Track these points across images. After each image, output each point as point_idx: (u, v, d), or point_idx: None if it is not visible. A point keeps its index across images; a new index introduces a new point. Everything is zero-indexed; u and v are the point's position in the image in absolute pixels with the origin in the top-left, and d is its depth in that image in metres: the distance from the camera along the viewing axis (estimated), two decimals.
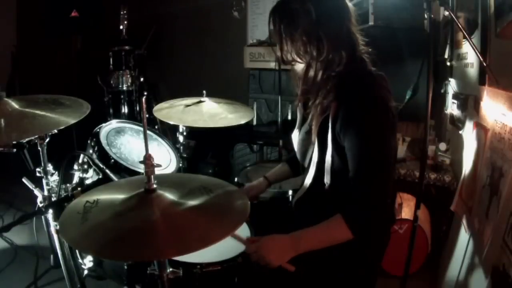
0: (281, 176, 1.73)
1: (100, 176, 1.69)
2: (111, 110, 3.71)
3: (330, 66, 1.23)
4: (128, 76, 3.66)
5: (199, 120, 1.93)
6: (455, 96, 2.36)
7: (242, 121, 1.97)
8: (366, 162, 1.17)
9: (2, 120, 1.38)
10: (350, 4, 1.28)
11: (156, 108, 2.04)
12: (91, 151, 1.81)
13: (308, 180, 1.38)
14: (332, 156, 1.26)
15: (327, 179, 1.29)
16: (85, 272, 1.73)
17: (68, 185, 1.63)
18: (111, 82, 3.66)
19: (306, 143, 1.42)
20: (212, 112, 2.01)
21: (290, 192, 1.86)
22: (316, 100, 1.30)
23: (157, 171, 1.04)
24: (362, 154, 1.18)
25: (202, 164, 3.44)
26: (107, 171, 1.66)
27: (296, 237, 1.22)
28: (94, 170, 1.74)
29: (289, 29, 1.22)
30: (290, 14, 1.22)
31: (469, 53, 2.11)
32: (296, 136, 1.49)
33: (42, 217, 1.59)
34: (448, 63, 2.47)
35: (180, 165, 2.04)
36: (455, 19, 1.80)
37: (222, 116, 1.99)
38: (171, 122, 1.96)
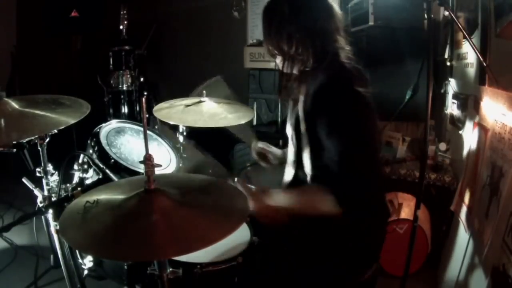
0: None
1: (100, 176, 1.69)
2: (111, 110, 3.70)
3: (300, 62, 1.30)
4: (128, 76, 3.66)
5: (199, 120, 1.93)
6: (455, 96, 2.36)
7: (242, 121, 1.97)
8: (341, 145, 1.18)
9: (2, 120, 1.38)
10: (335, 6, 1.32)
11: (156, 108, 2.04)
12: (91, 151, 1.81)
13: (289, 173, 1.42)
14: (310, 147, 1.29)
15: (308, 170, 1.32)
16: (85, 272, 1.73)
17: (68, 185, 1.63)
18: (111, 82, 3.66)
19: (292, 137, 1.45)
20: (212, 112, 2.01)
21: None
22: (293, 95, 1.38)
23: (157, 171, 1.04)
24: (335, 140, 1.19)
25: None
26: (107, 171, 1.66)
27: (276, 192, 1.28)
28: (94, 170, 1.74)
29: (268, 27, 1.33)
30: (269, 13, 1.33)
31: (469, 53, 2.11)
32: (289, 131, 1.51)
33: (42, 217, 1.59)
34: (448, 63, 2.47)
35: (180, 165, 2.04)
36: (455, 19, 1.80)
37: (222, 116, 1.98)
38: (171, 122, 1.96)
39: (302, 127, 1.29)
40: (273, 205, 1.26)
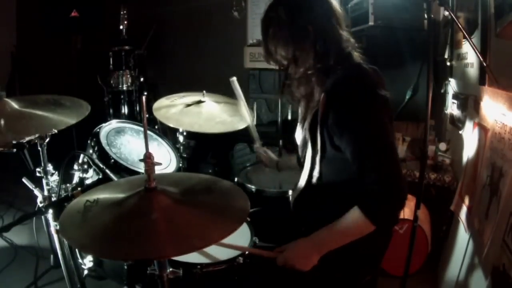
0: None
1: (100, 176, 1.69)
2: (111, 110, 3.70)
3: (303, 64, 1.29)
4: (128, 76, 3.66)
5: (195, 124, 1.91)
6: (455, 96, 2.36)
7: (240, 126, 1.95)
8: (368, 151, 1.17)
9: (2, 120, 1.38)
10: (333, 3, 1.31)
11: (155, 106, 2.03)
12: (91, 151, 1.81)
13: (304, 178, 1.39)
14: (322, 150, 1.27)
15: (316, 173, 1.31)
16: (85, 272, 1.73)
17: (68, 185, 1.63)
18: (111, 82, 3.66)
19: (306, 141, 1.43)
20: (210, 115, 1.99)
21: (290, 192, 1.86)
22: (305, 99, 1.37)
23: (157, 170, 1.04)
24: (362, 146, 1.17)
25: (202, 164, 3.44)
26: (107, 171, 1.66)
27: (318, 239, 1.24)
28: (94, 170, 1.74)
29: (265, 34, 1.33)
30: (266, 22, 1.33)
31: (469, 53, 2.11)
32: (299, 134, 1.49)
33: (42, 217, 1.59)
34: (448, 63, 2.47)
35: (180, 165, 2.04)
36: (455, 19, 1.80)
37: (219, 120, 1.97)
38: (170, 125, 1.95)
39: (319, 128, 1.27)
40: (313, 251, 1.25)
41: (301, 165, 1.45)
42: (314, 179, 1.33)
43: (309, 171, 1.36)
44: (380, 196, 1.15)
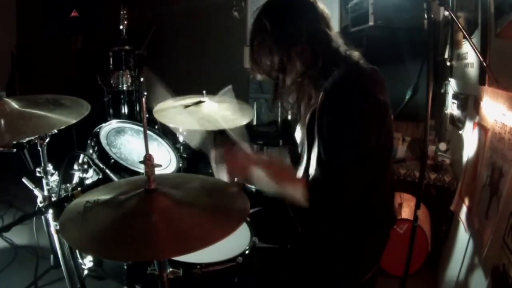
0: None
1: (100, 176, 1.69)
2: (111, 110, 3.70)
3: (294, 72, 1.28)
4: (128, 76, 3.66)
5: (186, 122, 1.91)
6: (455, 96, 2.36)
7: (240, 124, 1.94)
8: (334, 149, 1.16)
9: (2, 120, 1.38)
10: (319, 6, 1.30)
11: (157, 108, 2.03)
12: (91, 151, 1.81)
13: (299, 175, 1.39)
14: (318, 148, 1.26)
15: (311, 171, 1.30)
16: (85, 272, 1.73)
17: (68, 185, 1.63)
18: (111, 82, 3.66)
19: (303, 140, 1.43)
20: (209, 114, 1.98)
21: None
22: (305, 100, 1.36)
23: (157, 171, 1.04)
24: (331, 141, 1.17)
25: (202, 164, 3.44)
26: (107, 171, 1.67)
27: (257, 162, 1.24)
28: (94, 170, 1.75)
29: (253, 47, 1.33)
30: (253, 34, 1.32)
31: (469, 53, 2.11)
32: (299, 133, 1.50)
33: (42, 217, 1.59)
34: (448, 63, 2.47)
35: (180, 165, 2.04)
36: (455, 19, 1.80)
37: (211, 119, 1.96)
38: (170, 125, 1.94)
39: (316, 127, 1.26)
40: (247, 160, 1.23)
41: (296, 163, 1.45)
42: (310, 178, 1.32)
43: (304, 170, 1.36)
44: (326, 194, 1.16)
